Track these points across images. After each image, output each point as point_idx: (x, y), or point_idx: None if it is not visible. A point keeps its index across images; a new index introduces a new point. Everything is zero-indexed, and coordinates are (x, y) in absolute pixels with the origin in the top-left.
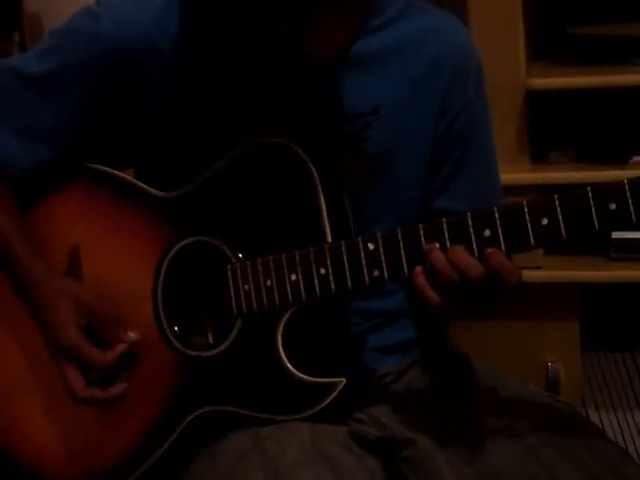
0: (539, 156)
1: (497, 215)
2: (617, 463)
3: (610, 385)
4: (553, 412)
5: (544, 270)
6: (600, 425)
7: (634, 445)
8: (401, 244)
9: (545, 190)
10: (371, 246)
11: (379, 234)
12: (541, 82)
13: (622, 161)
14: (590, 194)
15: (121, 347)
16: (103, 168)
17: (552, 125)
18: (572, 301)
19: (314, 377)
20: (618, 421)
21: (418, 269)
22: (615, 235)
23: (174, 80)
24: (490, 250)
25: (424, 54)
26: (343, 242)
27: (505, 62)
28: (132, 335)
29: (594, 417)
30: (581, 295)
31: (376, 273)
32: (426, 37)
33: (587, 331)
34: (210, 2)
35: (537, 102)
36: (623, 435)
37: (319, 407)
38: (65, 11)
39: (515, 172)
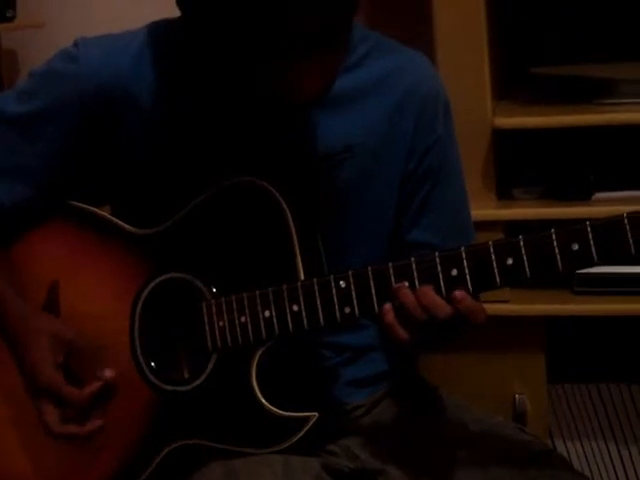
0: (504, 193)
1: (464, 255)
2: None
3: (576, 416)
4: (520, 443)
5: (510, 304)
6: (567, 456)
7: (600, 475)
8: (371, 282)
9: (510, 226)
10: (342, 284)
11: (350, 272)
12: (507, 121)
13: (585, 198)
14: (554, 235)
15: (96, 385)
16: (81, 205)
17: (517, 162)
18: (537, 334)
19: (287, 411)
20: (584, 451)
21: (387, 306)
22: (579, 270)
23: (151, 122)
24: (458, 294)
25: (393, 92)
26: (315, 280)
27: (471, 101)
28: (108, 373)
29: (561, 448)
30: (546, 328)
31: (347, 310)
32: (395, 75)
33: (553, 363)
34: (187, 48)
35: (502, 140)
36: (589, 465)
37: (292, 441)
38: (41, 47)
39: (481, 208)
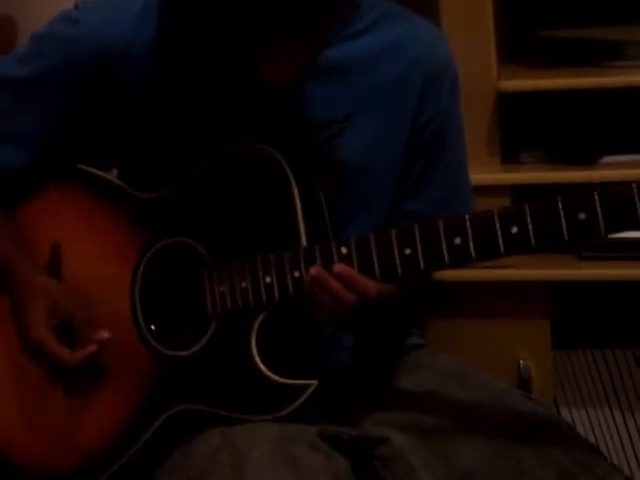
0: (510, 157)
1: (468, 223)
2: (588, 459)
3: (581, 382)
4: (525, 410)
5: (515, 269)
6: (571, 422)
7: (604, 441)
8: (373, 249)
9: (516, 190)
10: (344, 250)
11: (352, 239)
12: (512, 84)
13: (592, 162)
14: (560, 204)
15: (90, 348)
16: (85, 168)
17: (523, 126)
18: (543, 299)
19: (287, 378)
20: (589, 418)
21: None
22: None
23: (151, 84)
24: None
25: (400, 61)
26: (317, 246)
27: (476, 64)
28: (103, 334)
29: (565, 414)
30: (552, 293)
31: None
32: (404, 44)
33: (558, 329)
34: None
35: (508, 103)
36: (594, 431)
37: (291, 408)
38: (40, 12)
39: (486, 172)
